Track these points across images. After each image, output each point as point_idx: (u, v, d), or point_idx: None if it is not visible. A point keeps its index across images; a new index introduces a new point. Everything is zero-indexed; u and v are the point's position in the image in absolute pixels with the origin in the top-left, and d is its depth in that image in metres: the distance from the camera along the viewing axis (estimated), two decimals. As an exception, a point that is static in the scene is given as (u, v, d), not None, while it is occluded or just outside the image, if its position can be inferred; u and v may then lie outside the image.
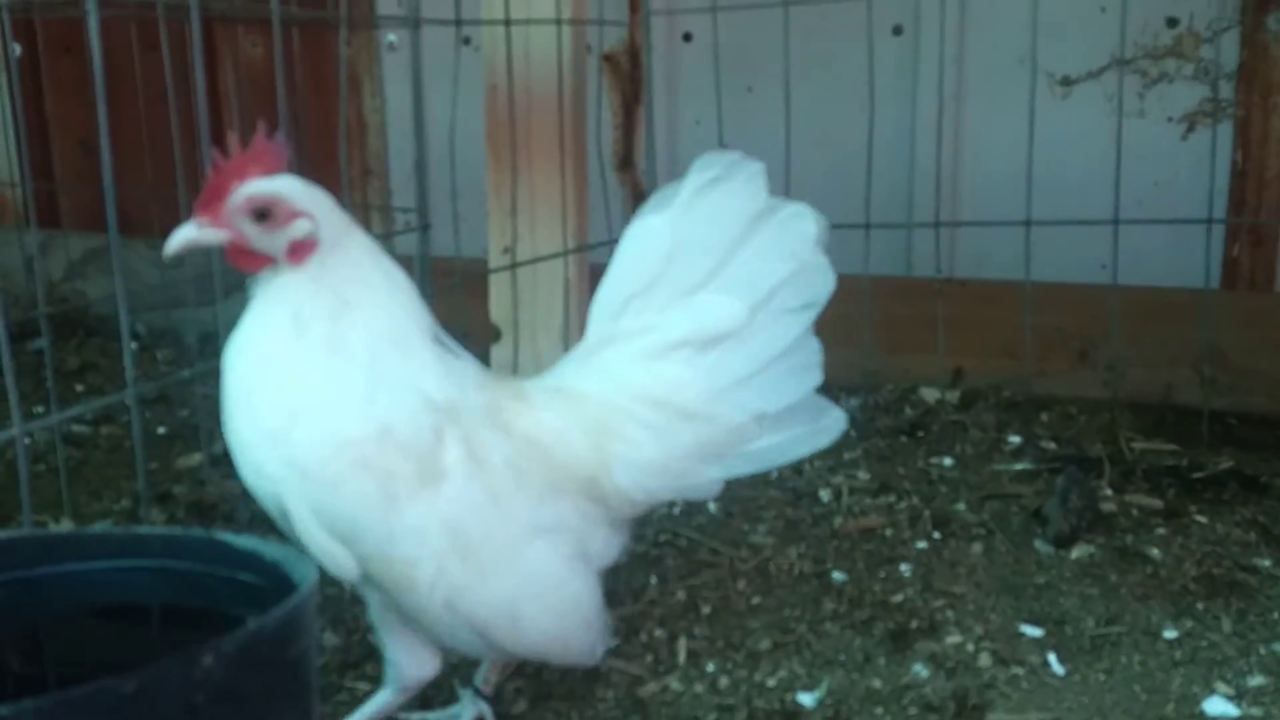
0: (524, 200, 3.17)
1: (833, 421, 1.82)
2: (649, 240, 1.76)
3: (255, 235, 1.55)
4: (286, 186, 1.57)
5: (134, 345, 4.06)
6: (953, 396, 3.35)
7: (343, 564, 1.57)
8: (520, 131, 3.11)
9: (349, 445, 1.53)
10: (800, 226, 1.76)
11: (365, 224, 4.30)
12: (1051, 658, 2.01)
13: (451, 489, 1.57)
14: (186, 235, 1.54)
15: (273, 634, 1.14)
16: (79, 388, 3.69)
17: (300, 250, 1.57)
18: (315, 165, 3.26)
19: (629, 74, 4.14)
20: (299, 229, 1.56)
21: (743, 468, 1.80)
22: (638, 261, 1.77)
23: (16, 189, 4.54)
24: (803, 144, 3.34)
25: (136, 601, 1.41)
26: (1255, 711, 1.85)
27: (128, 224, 4.23)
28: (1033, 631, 2.10)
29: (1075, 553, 2.38)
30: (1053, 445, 2.98)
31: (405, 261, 3.84)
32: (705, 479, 1.78)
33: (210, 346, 3.90)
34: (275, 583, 1.34)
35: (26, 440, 2.25)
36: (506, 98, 3.07)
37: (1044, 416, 3.18)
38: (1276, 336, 3.17)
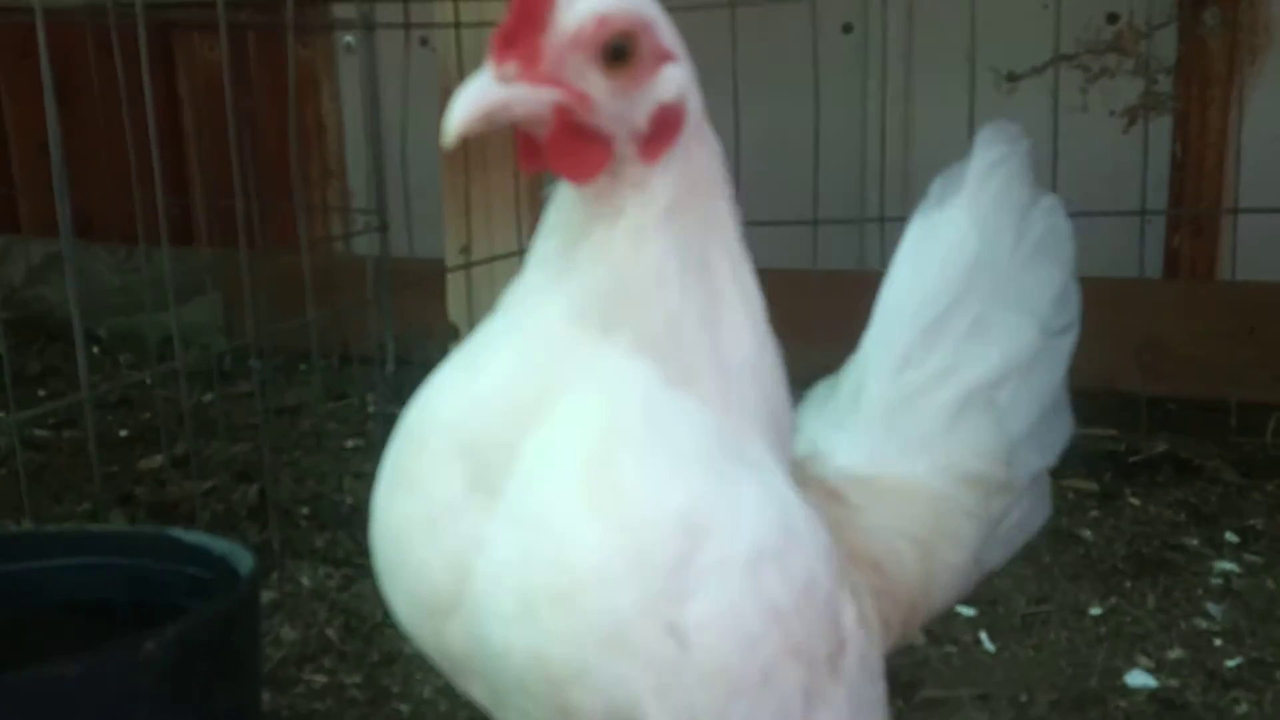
0: (479, 201, 3.23)
1: (1045, 485, 1.42)
2: (954, 245, 1.32)
3: (607, 97, 0.90)
4: (649, 4, 0.95)
5: (95, 349, 4.10)
6: (903, 387, 3.43)
7: None
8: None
9: (777, 623, 0.95)
10: (1062, 224, 1.38)
11: (325, 225, 4.36)
12: (983, 635, 2.11)
13: (850, 672, 1.04)
14: (485, 96, 0.86)
15: (214, 623, 1.21)
16: (40, 392, 3.73)
17: (662, 134, 0.94)
18: (272, 167, 3.34)
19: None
20: (670, 81, 0.94)
21: (998, 555, 1.37)
22: (940, 274, 1.31)
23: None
24: (753, 142, 3.42)
25: (93, 597, 1.47)
26: (1173, 683, 1.95)
27: (88, 229, 4.27)
28: (966, 611, 2.20)
29: (1012, 536, 2.47)
30: (996, 433, 3.07)
31: (364, 263, 3.91)
32: (976, 579, 1.35)
33: (169, 350, 3.95)
34: (224, 575, 1.41)
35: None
36: (459, 100, 3.13)
37: (990, 404, 3.28)
38: (1215, 324, 3.28)
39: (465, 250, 3.27)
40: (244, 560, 1.40)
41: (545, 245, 0.98)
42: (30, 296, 4.32)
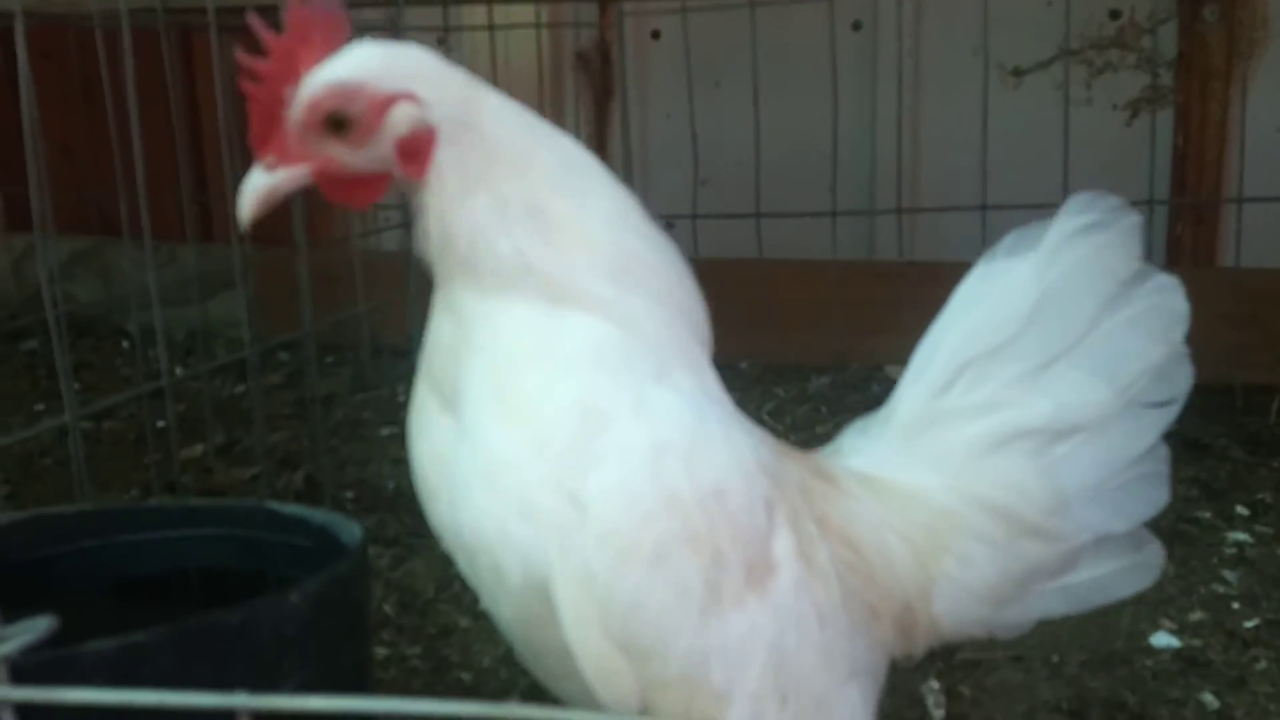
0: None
1: (1153, 555, 1.43)
2: (1008, 292, 1.37)
3: (346, 155, 1.12)
4: (359, 64, 1.11)
5: (125, 344, 4.20)
6: (918, 373, 3.57)
7: (618, 687, 1.09)
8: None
9: (673, 507, 1.08)
10: (1173, 303, 1.42)
11: (349, 223, 4.46)
12: (1014, 603, 2.23)
13: (780, 593, 1.15)
14: (257, 187, 1.12)
15: (342, 580, 1.32)
16: (75, 386, 3.81)
17: (416, 155, 1.11)
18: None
19: (600, 71, 4.33)
20: (399, 121, 1.10)
21: (1058, 606, 1.42)
22: (990, 316, 1.37)
23: (-4, 193, 4.64)
24: (769, 136, 3.55)
25: (206, 566, 1.58)
26: (1195, 642, 2.09)
27: (110, 226, 4.36)
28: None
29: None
30: (1012, 415, 3.20)
31: (391, 259, 4.03)
32: (1020, 617, 1.41)
33: (198, 344, 4.05)
34: (324, 544, 1.52)
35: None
36: (489, 97, 3.24)
37: (1003, 389, 3.41)
38: (1217, 310, 3.41)
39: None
40: (346, 528, 1.51)
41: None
42: (57, 294, 4.40)
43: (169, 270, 3.85)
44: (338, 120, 1.10)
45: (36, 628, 1.15)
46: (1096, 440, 1.35)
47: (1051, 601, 1.40)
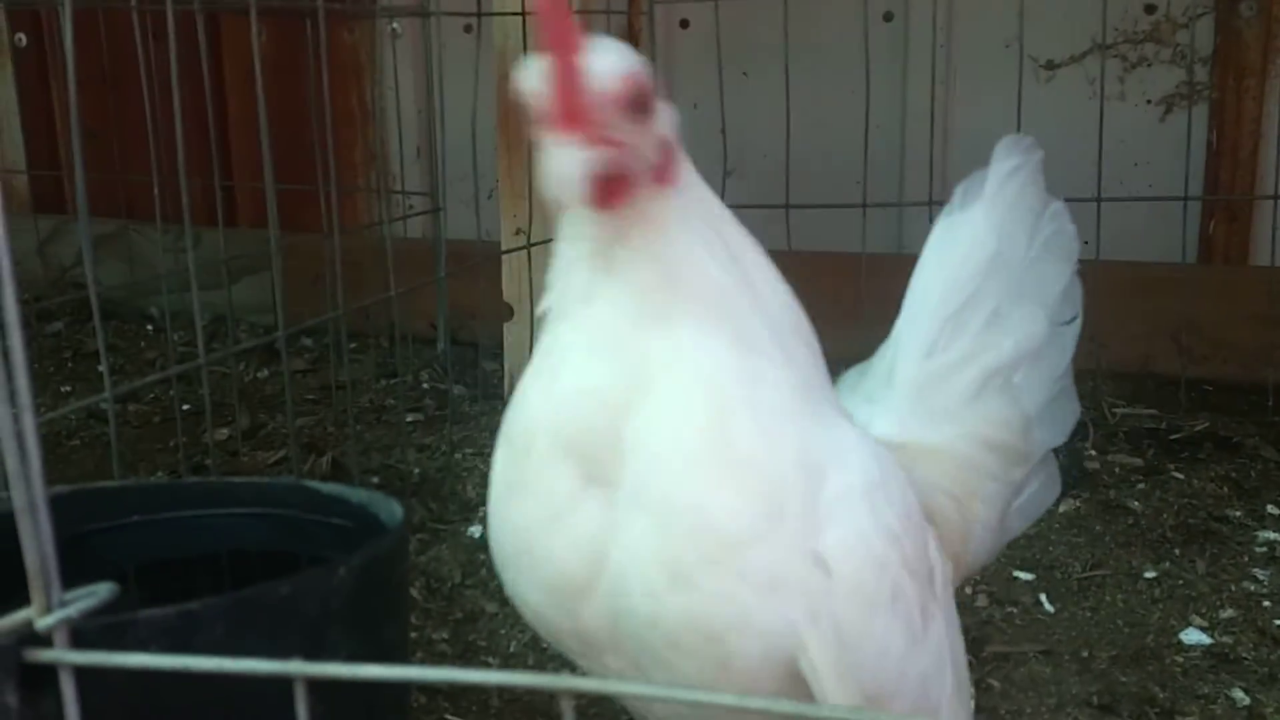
0: (536, 185, 3.38)
1: (1053, 467, 1.61)
2: (971, 245, 1.49)
3: (639, 141, 1.03)
4: (628, 53, 1.05)
5: (149, 328, 4.25)
6: (945, 368, 3.59)
7: None
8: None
9: (893, 544, 1.10)
10: (1068, 226, 1.55)
11: (372, 209, 4.50)
12: (1042, 597, 2.26)
13: (941, 593, 1.21)
14: (582, 169, 0.98)
15: (384, 557, 1.36)
16: (99, 368, 3.87)
17: (670, 160, 1.07)
18: (321, 151, 3.46)
19: (629, 60, 4.35)
20: (666, 121, 1.07)
21: (1018, 525, 1.56)
22: (960, 270, 1.48)
23: (23, 176, 4.70)
24: (798, 127, 3.56)
25: (246, 545, 1.61)
26: (1226, 639, 2.11)
27: (135, 210, 4.42)
28: (1025, 576, 2.35)
29: (1062, 507, 2.63)
30: (1041, 411, 3.22)
31: (416, 245, 4.06)
32: (1004, 539, 1.53)
33: (221, 328, 4.10)
34: (363, 523, 1.56)
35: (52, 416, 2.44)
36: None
37: (1032, 385, 3.43)
38: (1250, 308, 3.43)
39: (521, 231, 3.41)
40: (386, 506, 1.54)
41: (568, 281, 1.10)
42: (81, 276, 4.46)
43: (193, 254, 3.90)
44: (642, 102, 1.02)
45: (97, 593, 1.19)
46: (1039, 363, 1.51)
47: (1015, 522, 1.54)
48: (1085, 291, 3.39)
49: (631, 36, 4.27)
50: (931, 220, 3.77)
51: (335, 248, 2.77)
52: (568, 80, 0.98)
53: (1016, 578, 2.35)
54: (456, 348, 3.74)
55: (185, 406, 3.55)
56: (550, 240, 3.47)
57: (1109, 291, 3.70)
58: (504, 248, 3.45)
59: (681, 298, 1.04)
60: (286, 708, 0.67)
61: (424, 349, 3.87)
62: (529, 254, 3.36)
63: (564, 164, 0.97)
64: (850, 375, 1.57)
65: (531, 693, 2.11)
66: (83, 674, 0.78)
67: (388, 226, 2.90)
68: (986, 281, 1.48)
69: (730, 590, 1.00)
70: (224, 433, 3.27)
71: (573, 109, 0.98)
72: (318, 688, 1.04)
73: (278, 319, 2.56)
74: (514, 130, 3.38)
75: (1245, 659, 2.05)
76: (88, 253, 2.23)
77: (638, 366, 1.04)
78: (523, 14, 3.09)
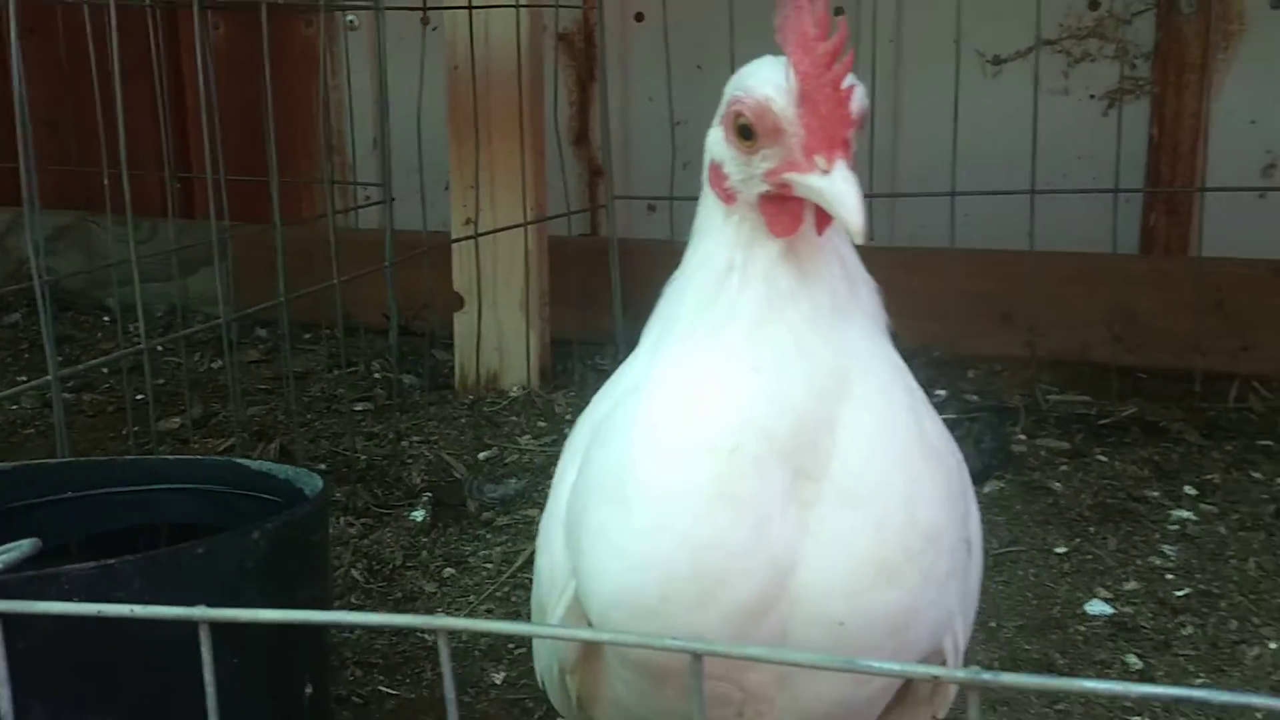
0: (485, 175, 3.49)
1: None
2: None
3: None
4: None
5: (105, 319, 4.35)
6: (889, 357, 3.73)
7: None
8: (481, 110, 3.43)
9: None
10: None
11: (328, 199, 4.59)
12: (958, 572, 2.39)
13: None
14: (853, 193, 1.03)
15: (300, 523, 1.47)
16: (58, 358, 3.96)
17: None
18: (277, 143, 3.58)
19: (583, 53, 4.47)
20: None
21: None
22: None
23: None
24: (748, 120, 3.69)
25: (173, 519, 1.73)
26: (1128, 610, 2.24)
27: (93, 202, 4.51)
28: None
29: (987, 488, 2.76)
30: (976, 398, 3.36)
31: (370, 236, 4.15)
32: None
33: (177, 319, 4.20)
34: (290, 498, 1.67)
35: (14, 407, 2.54)
36: (468, 78, 3.39)
37: (970, 373, 3.57)
38: (1185, 298, 3.56)
39: (471, 222, 3.53)
40: (309, 480, 1.66)
41: (735, 294, 1.13)
42: (40, 268, 4.55)
43: (150, 246, 3.99)
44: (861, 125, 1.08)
45: (20, 547, 1.30)
46: None
47: None
48: (1024, 282, 3.51)
49: (586, 28, 4.38)
50: (886, 211, 3.88)
51: (278, 236, 2.87)
52: (835, 104, 1.04)
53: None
54: (409, 338, 3.85)
55: (139, 396, 3.66)
56: (500, 230, 3.57)
57: (1048, 282, 3.86)
58: (454, 237, 3.57)
59: (858, 299, 1.13)
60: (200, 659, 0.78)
61: (377, 339, 3.97)
62: (477, 244, 3.47)
63: (841, 190, 1.02)
64: None
65: (463, 662, 2.23)
66: (10, 623, 0.89)
67: (332, 217, 3.00)
68: None
69: (924, 581, 1.07)
70: (176, 421, 3.38)
71: (840, 134, 1.04)
72: (231, 641, 1.16)
73: (221, 307, 2.66)
74: (464, 122, 3.50)
75: (1144, 628, 2.19)
76: (34, 241, 2.33)
77: (839, 365, 1.09)
78: (469, 7, 3.20)
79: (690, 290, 1.16)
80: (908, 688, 1.25)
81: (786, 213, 1.09)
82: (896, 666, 0.94)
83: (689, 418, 1.09)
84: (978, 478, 2.78)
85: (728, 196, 1.13)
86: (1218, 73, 3.81)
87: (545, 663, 1.40)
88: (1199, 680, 2.03)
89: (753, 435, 1.06)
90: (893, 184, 4.03)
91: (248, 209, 4.25)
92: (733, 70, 3.25)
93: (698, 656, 0.84)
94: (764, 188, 1.09)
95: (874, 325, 1.14)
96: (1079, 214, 3.77)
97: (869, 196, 3.49)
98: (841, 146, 1.04)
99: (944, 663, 1.17)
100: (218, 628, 0.79)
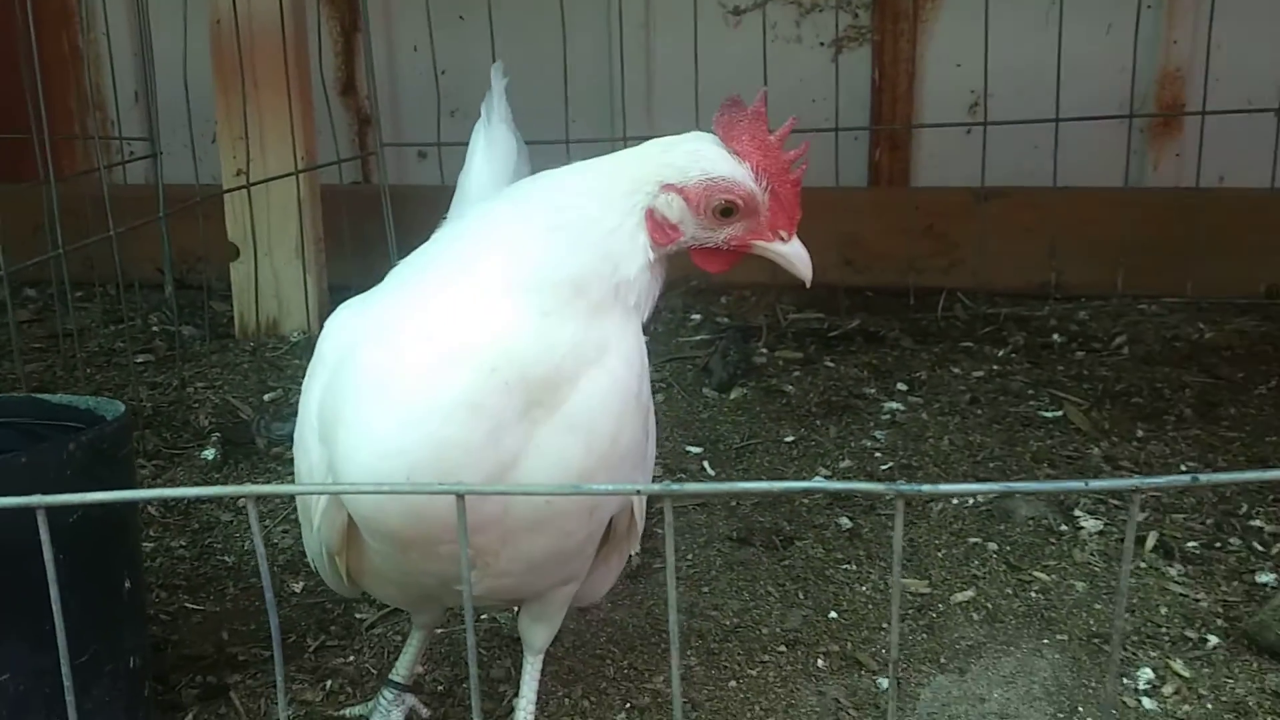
0: (254, 125, 3.63)
1: None
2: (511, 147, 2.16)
3: None
4: None
5: None
6: (650, 287, 4.11)
7: None
8: (246, 61, 3.57)
9: None
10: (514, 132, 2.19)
11: (91, 156, 4.59)
12: (706, 464, 2.80)
13: None
14: (803, 256, 1.55)
15: (110, 437, 1.68)
16: None
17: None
18: (30, 100, 3.60)
19: (346, 3, 4.61)
20: None
21: None
22: (510, 164, 2.12)
23: None
24: (510, 68, 3.95)
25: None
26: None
27: None
28: (694, 449, 2.88)
29: (733, 394, 3.18)
30: (726, 319, 3.79)
31: (139, 191, 4.20)
32: None
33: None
34: (91, 424, 1.86)
35: None
36: (231, 30, 3.51)
37: (723, 299, 3.99)
38: (900, 224, 4.08)
39: (242, 173, 3.66)
40: (110, 406, 1.85)
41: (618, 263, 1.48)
42: None
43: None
44: None
45: None
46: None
47: None
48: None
49: (347, -17, 4.53)
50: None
51: (51, 191, 2.94)
52: (793, 194, 1.52)
53: (688, 451, 2.87)
54: (185, 291, 3.95)
55: (-96, 360, 3.63)
56: (271, 179, 3.71)
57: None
58: (225, 188, 3.69)
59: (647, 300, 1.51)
60: (30, 555, 0.99)
61: (152, 294, 4.05)
62: (250, 194, 3.61)
63: (800, 253, 1.54)
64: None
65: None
66: None
67: (103, 171, 3.09)
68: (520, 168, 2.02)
69: (619, 478, 1.50)
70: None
71: (796, 215, 1.52)
72: (59, 540, 1.40)
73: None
74: (229, 74, 3.62)
75: (854, 496, 2.65)
76: None
77: (608, 341, 1.45)
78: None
79: (562, 247, 1.46)
80: (609, 535, 1.68)
81: (717, 259, 1.55)
82: (610, 487, 1.33)
83: (469, 334, 1.40)
84: (724, 386, 3.21)
85: (667, 241, 1.49)
86: (926, 21, 4.34)
87: (315, 549, 1.71)
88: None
89: (513, 366, 1.40)
90: (649, 127, 4.39)
91: (11, 168, 4.21)
92: (492, 21, 3.52)
93: (461, 496, 1.18)
94: (717, 244, 1.53)
95: (639, 315, 1.52)
96: (814, 152, 4.22)
97: (624, 139, 3.82)
98: (795, 223, 1.52)
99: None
100: (51, 527, 1.01)
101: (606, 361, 1.45)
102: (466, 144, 2.21)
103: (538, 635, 1.78)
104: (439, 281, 1.49)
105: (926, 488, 1.24)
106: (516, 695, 1.85)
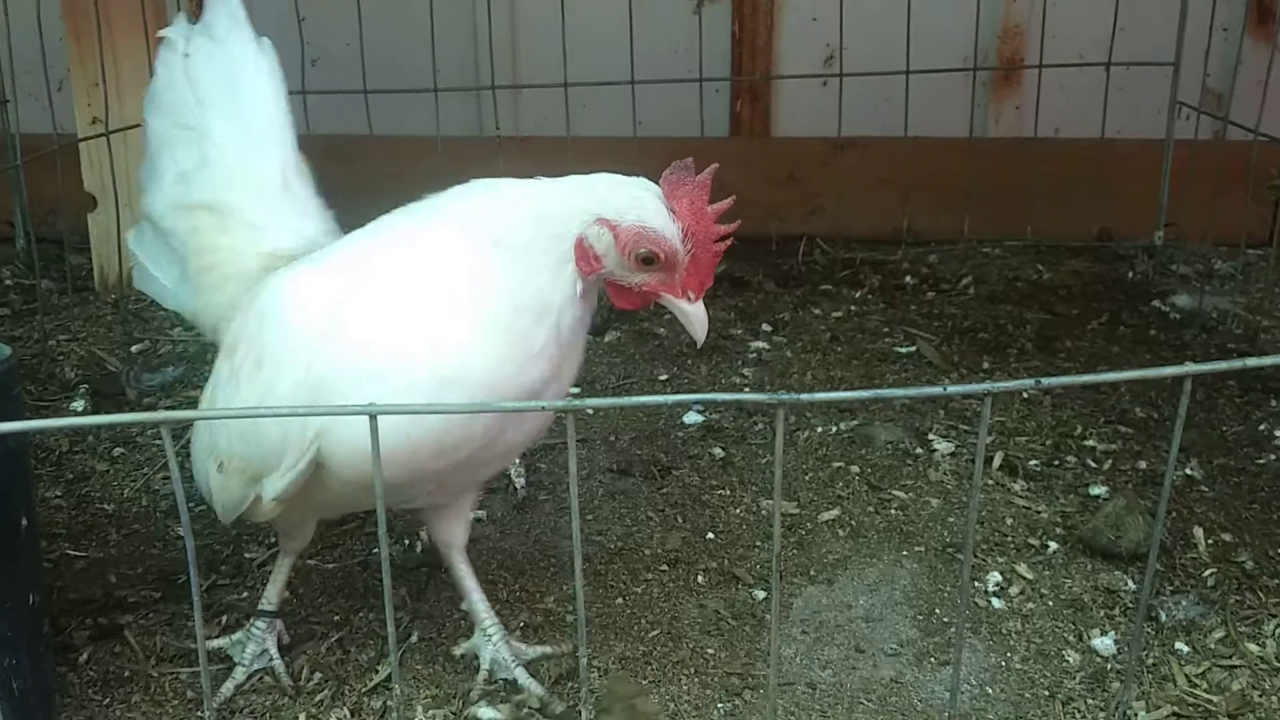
0: (110, 72, 3.55)
1: None
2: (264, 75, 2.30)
3: None
4: None
5: None
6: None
7: None
8: (100, 4, 3.48)
9: None
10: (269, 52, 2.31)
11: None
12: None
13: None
14: (703, 319, 1.77)
15: (3, 376, 1.70)
16: None
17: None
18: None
19: (198, -52, 4.50)
20: None
21: None
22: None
23: None
24: (371, 14, 3.95)
25: None
26: (715, 417, 2.87)
27: None
28: (574, 390, 2.96)
29: (607, 337, 3.31)
30: (597, 266, 3.90)
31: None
32: None
33: None
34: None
35: None
36: (82, -29, 3.42)
37: (593, 247, 4.09)
38: (762, 174, 4.25)
39: (98, 120, 3.58)
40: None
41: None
42: None
43: None
44: None
45: None
46: None
47: None
48: (631, 166, 4.03)
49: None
50: (511, 104, 4.24)
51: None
52: (712, 261, 1.72)
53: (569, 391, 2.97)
54: (42, 245, 3.84)
55: None
56: (130, 127, 3.65)
57: (652, 165, 4.37)
58: (80, 136, 3.60)
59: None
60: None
61: (3, 247, 3.93)
62: (108, 141, 3.54)
63: (700, 315, 1.74)
64: None
65: (146, 523, 2.48)
66: None
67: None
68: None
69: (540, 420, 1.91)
70: None
71: (709, 282, 1.74)
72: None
73: None
74: (81, 18, 3.53)
75: (726, 428, 2.81)
76: None
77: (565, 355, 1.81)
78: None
79: (520, 269, 1.68)
80: None
81: (628, 297, 1.74)
82: (521, 405, 1.47)
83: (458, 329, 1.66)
84: (598, 330, 3.33)
85: (591, 271, 1.67)
86: (785, -26, 4.50)
87: (239, 494, 1.81)
88: (765, 460, 2.67)
89: (488, 384, 1.65)
90: (514, 76, 4.44)
91: None
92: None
93: (373, 417, 1.32)
94: (631, 285, 1.71)
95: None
96: (677, 103, 4.36)
97: (492, 87, 3.87)
98: (704, 290, 1.71)
99: None
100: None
101: (563, 372, 1.84)
102: (328, 91, 2.25)
103: (460, 532, 2.05)
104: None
105: (805, 396, 1.40)
106: (465, 601, 2.10)
